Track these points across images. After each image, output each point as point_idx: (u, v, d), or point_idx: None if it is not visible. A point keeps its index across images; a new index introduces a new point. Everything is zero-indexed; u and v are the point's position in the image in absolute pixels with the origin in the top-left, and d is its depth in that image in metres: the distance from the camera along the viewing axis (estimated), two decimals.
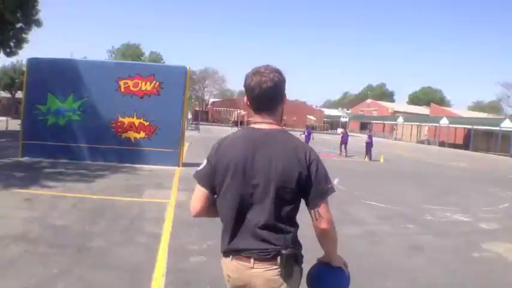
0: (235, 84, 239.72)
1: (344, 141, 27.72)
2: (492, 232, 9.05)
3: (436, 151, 43.58)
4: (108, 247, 6.15)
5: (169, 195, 10.06)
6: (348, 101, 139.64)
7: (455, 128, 58.23)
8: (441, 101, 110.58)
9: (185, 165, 15.15)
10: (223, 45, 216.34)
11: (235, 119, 75.55)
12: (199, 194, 2.56)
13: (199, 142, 28.27)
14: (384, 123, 77.62)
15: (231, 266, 2.44)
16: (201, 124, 63.64)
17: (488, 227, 9.50)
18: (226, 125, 74.52)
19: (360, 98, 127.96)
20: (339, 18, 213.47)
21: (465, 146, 55.07)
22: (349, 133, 32.46)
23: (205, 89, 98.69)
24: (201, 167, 2.57)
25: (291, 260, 2.35)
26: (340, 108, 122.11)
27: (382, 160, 25.42)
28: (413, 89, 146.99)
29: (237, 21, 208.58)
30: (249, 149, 2.40)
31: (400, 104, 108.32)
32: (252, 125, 2.53)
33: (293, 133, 2.82)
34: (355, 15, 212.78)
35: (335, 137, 43.06)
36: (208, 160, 2.55)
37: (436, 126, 61.39)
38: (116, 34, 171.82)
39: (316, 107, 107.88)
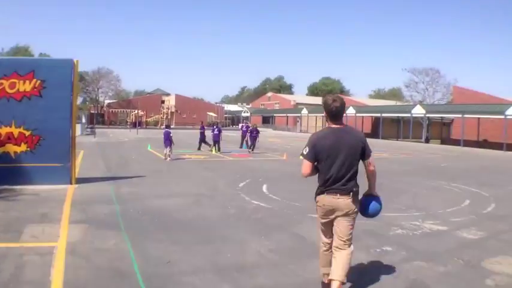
0: (131, 84, 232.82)
1: (247, 135, 26.70)
2: (481, 243, 7.36)
3: None
4: None
5: (58, 234, 7.20)
6: (246, 96, 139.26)
7: (362, 116, 58.30)
8: (341, 91, 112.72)
9: (80, 181, 12.23)
10: (117, 43, 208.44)
11: (133, 120, 71.06)
12: (307, 164, 4.71)
13: (96, 149, 25.09)
14: (287, 116, 77.01)
15: (326, 198, 4.69)
16: (97, 127, 59.32)
17: (471, 235, 7.80)
18: (123, 126, 70.26)
19: (259, 92, 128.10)
20: (231, 12, 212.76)
21: (374, 134, 55.49)
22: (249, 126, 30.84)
23: (100, 90, 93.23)
24: (306, 151, 4.69)
25: (357, 194, 4.72)
26: (240, 103, 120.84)
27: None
28: (312, 80, 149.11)
29: (130, 19, 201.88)
30: (336, 138, 4.62)
31: (301, 96, 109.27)
32: (332, 126, 4.73)
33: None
34: (248, 9, 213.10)
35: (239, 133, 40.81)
36: (310, 146, 4.69)
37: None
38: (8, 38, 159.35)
39: (216, 103, 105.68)
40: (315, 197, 4.86)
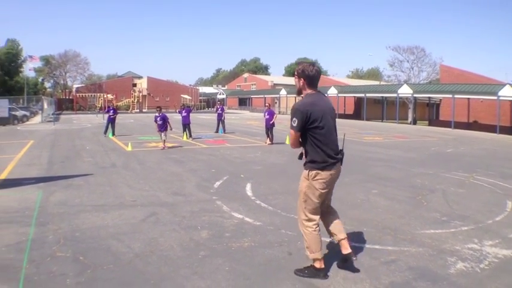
0: (104, 69, 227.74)
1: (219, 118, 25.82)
2: None
3: None
4: None
5: None
6: (222, 78, 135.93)
7: (344, 97, 54.83)
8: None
9: (2, 184, 9.08)
10: (89, 27, 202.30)
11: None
12: (296, 137, 4.47)
13: (49, 138, 21.63)
14: (265, 97, 73.41)
15: (333, 169, 4.50)
16: (65, 114, 55.40)
17: None
18: (92, 112, 66.05)
19: (234, 74, 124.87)
20: None
21: (356, 115, 52.44)
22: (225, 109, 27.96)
23: (67, 74, 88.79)
24: (295, 123, 4.35)
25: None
26: (215, 85, 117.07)
27: (288, 141, 20.11)
28: (288, 61, 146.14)
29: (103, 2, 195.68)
30: (324, 103, 4.52)
31: (278, 77, 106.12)
32: (313, 92, 4.52)
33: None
34: None
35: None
36: (299, 118, 4.33)
37: None
38: None
39: (190, 85, 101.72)
40: (314, 171, 4.51)
